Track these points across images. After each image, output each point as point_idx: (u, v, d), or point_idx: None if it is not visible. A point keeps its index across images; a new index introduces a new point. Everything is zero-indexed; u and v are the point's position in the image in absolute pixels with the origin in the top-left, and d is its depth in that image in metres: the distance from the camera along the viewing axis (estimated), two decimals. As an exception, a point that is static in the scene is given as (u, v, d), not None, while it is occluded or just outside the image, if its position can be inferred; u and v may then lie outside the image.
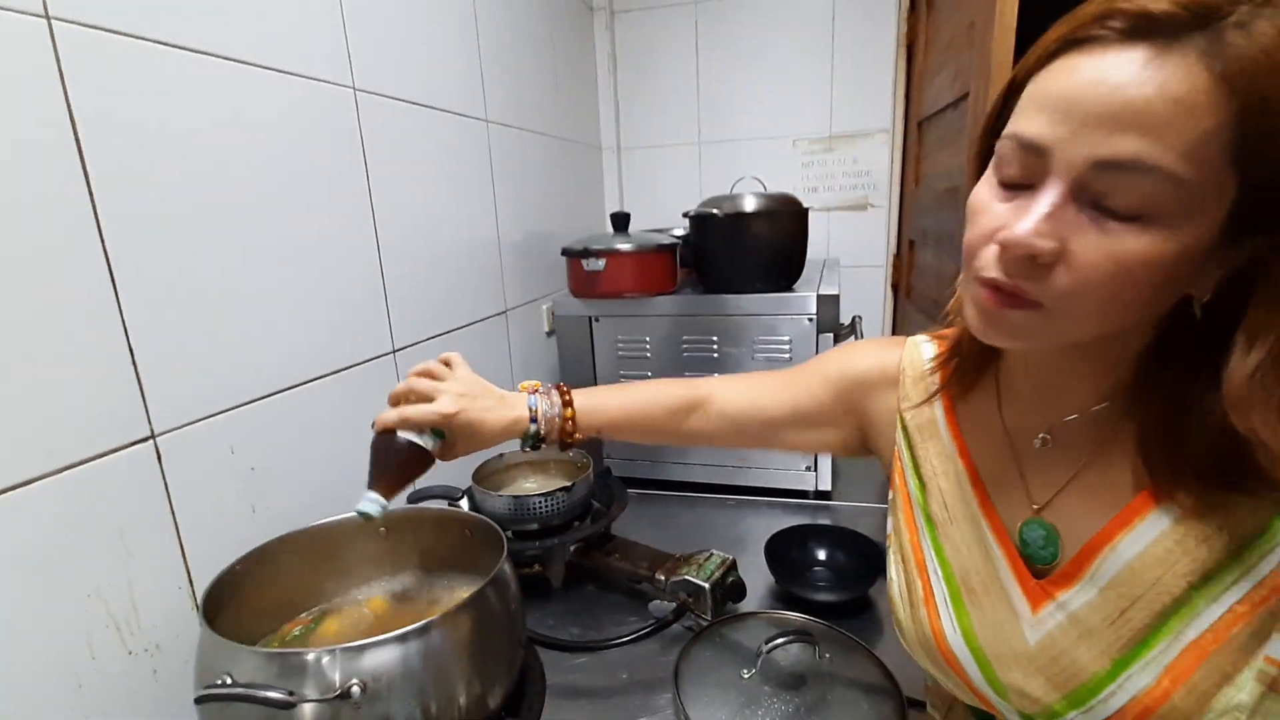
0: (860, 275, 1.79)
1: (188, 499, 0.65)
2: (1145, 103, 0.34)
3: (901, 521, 0.59)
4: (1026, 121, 0.39)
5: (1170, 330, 0.43)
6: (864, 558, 0.99)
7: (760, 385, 0.70)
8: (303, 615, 0.71)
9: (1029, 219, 0.38)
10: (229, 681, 0.51)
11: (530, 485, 1.11)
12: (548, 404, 0.66)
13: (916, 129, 1.62)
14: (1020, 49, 1.02)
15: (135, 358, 0.60)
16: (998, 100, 0.44)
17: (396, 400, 0.64)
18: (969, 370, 0.55)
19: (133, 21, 0.59)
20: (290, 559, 0.71)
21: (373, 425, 0.62)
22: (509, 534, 1.00)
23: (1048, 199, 0.38)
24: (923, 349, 0.61)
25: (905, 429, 0.60)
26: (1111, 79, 0.35)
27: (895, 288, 1.80)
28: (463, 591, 0.70)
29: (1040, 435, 0.50)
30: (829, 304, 1.16)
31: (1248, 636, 0.41)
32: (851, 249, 1.78)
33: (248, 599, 0.65)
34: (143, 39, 0.60)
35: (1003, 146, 0.41)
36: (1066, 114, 0.37)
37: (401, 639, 0.54)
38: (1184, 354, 0.41)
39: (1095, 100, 0.36)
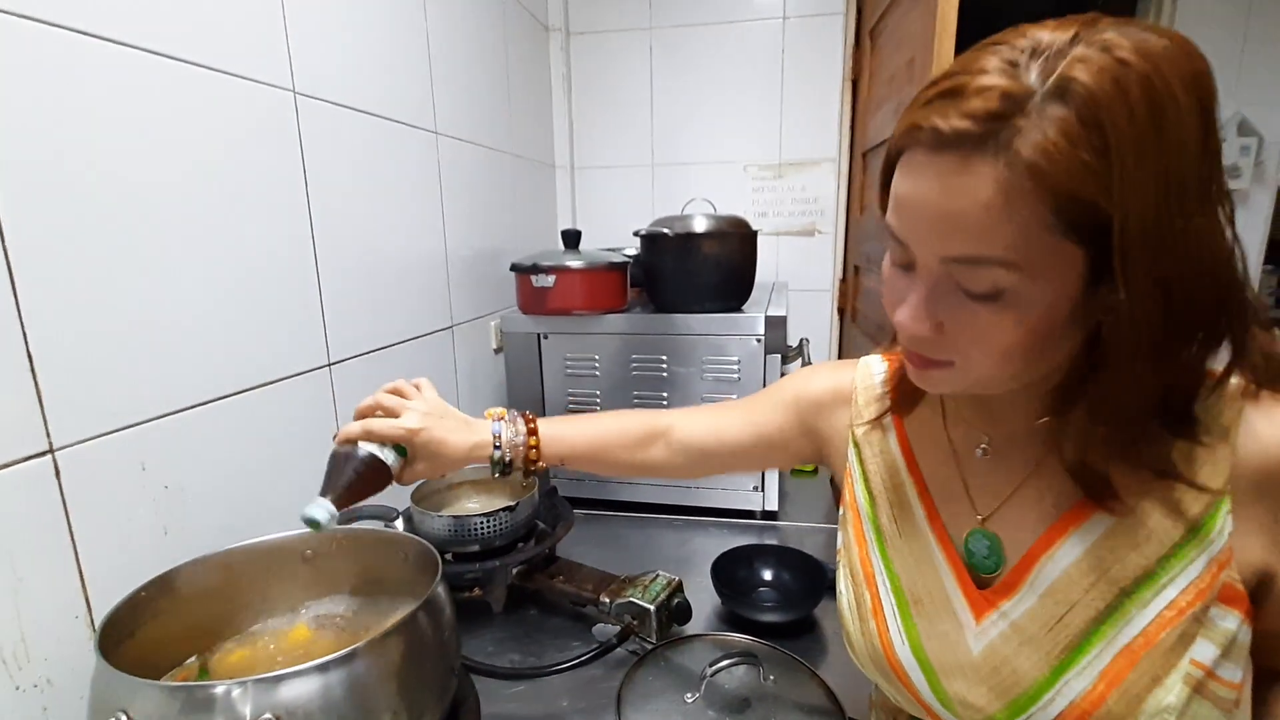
0: (808, 299, 1.83)
1: (90, 520, 0.60)
2: (962, 212, 0.38)
3: (851, 536, 0.60)
4: (892, 214, 0.44)
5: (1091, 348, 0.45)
6: (809, 577, 0.99)
7: (721, 415, 0.71)
8: (218, 646, 0.66)
9: (906, 308, 0.44)
10: (123, 719, 0.46)
11: (473, 505, 1.08)
12: (512, 431, 0.68)
13: (861, 159, 1.67)
14: (956, 85, 1.06)
15: (34, 365, 0.55)
16: (885, 164, 0.47)
17: (362, 414, 0.65)
18: (915, 388, 0.56)
19: (35, 4, 0.55)
20: (205, 585, 0.66)
21: (334, 436, 0.62)
22: (448, 556, 0.96)
23: (919, 290, 0.43)
24: (874, 367, 0.64)
25: (856, 444, 0.61)
26: (932, 192, 0.40)
27: (841, 312, 1.84)
28: (396, 617, 0.66)
29: (982, 446, 0.52)
30: (777, 325, 1.17)
31: (1175, 640, 0.43)
32: (800, 273, 1.82)
33: (154, 629, 0.60)
34: (49, 24, 0.56)
35: (889, 229, 0.45)
36: (912, 216, 0.42)
37: (322, 669, 0.50)
38: (1105, 366, 0.43)
39: (925, 208, 0.41)
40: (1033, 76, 0.36)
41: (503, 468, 0.67)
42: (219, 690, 0.48)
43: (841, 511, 0.63)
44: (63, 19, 0.57)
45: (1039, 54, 0.37)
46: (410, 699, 0.55)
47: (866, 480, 0.59)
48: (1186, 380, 0.43)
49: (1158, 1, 1.72)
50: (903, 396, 0.58)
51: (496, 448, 0.66)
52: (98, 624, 0.58)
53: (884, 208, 0.46)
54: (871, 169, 1.58)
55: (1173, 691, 0.42)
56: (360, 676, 0.52)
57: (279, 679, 0.49)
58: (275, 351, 0.81)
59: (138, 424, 0.65)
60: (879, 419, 0.60)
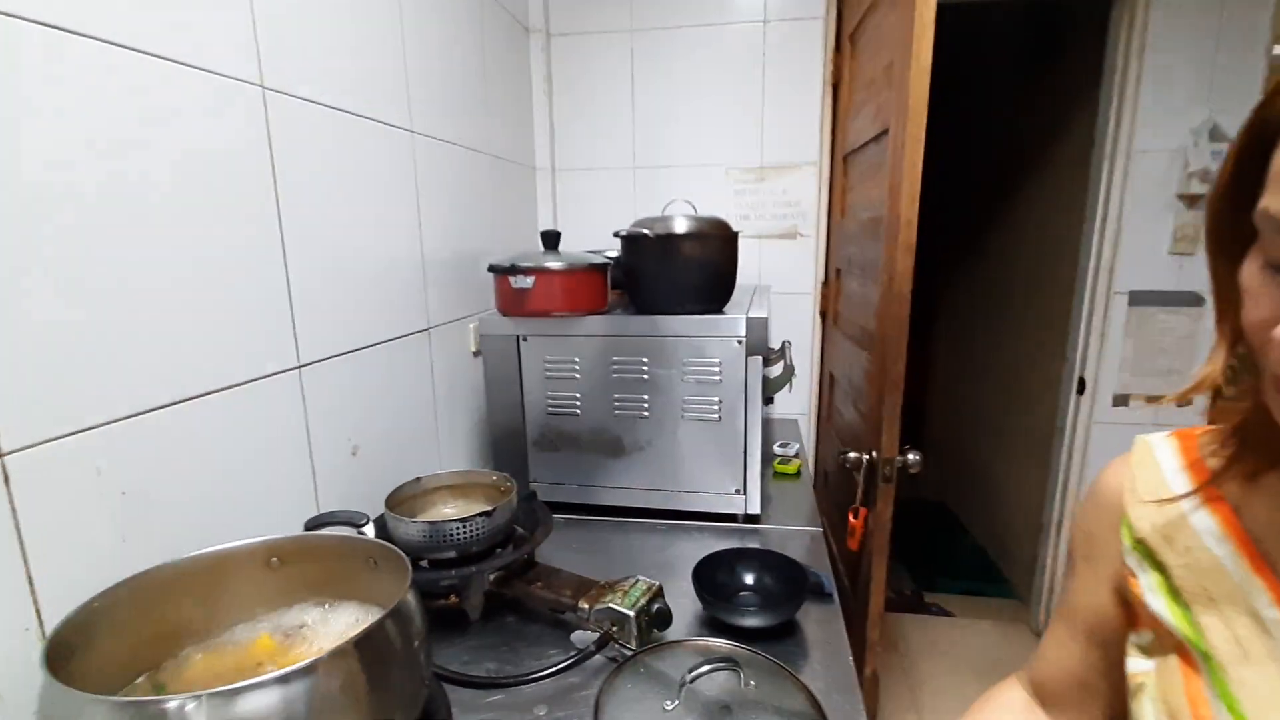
0: (790, 302, 1.83)
1: (41, 527, 0.58)
2: None
3: (1166, 664, 0.45)
4: (1277, 193, 0.34)
5: None
6: (791, 581, 0.98)
7: (1053, 661, 0.59)
8: (177, 658, 0.64)
9: None
10: (70, 737, 0.44)
11: (450, 511, 1.06)
12: None
13: (842, 162, 1.68)
14: (935, 88, 1.07)
15: (-20, 365, 0.53)
16: (1234, 156, 0.38)
17: None
18: (1259, 458, 0.44)
19: (-4, -8, 0.53)
20: (164, 594, 0.63)
21: None
22: (424, 563, 0.94)
23: None
24: (1156, 449, 0.51)
25: (1141, 541, 0.48)
26: None
27: (823, 314, 1.84)
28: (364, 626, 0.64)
29: None
30: (758, 326, 1.16)
31: None
32: (782, 276, 1.82)
33: (108, 641, 0.58)
34: (4, 14, 0.54)
35: (1261, 224, 0.36)
36: None
37: (283, 680, 0.48)
38: None
39: None
40: None
41: None
42: (171, 705, 0.46)
43: (1136, 637, 0.49)
44: (13, 8, 0.55)
45: None
46: (379, 711, 0.53)
47: (1172, 588, 0.45)
48: None
49: (1130, 9, 1.75)
50: (1241, 466, 0.44)
51: None
52: (48, 636, 0.55)
53: (1223, 207, 0.38)
54: (852, 173, 1.59)
55: None
56: (323, 688, 0.50)
57: (236, 692, 0.47)
58: (241, 353, 0.79)
59: (93, 427, 0.62)
60: (1176, 500, 0.47)
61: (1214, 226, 0.40)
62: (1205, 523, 0.45)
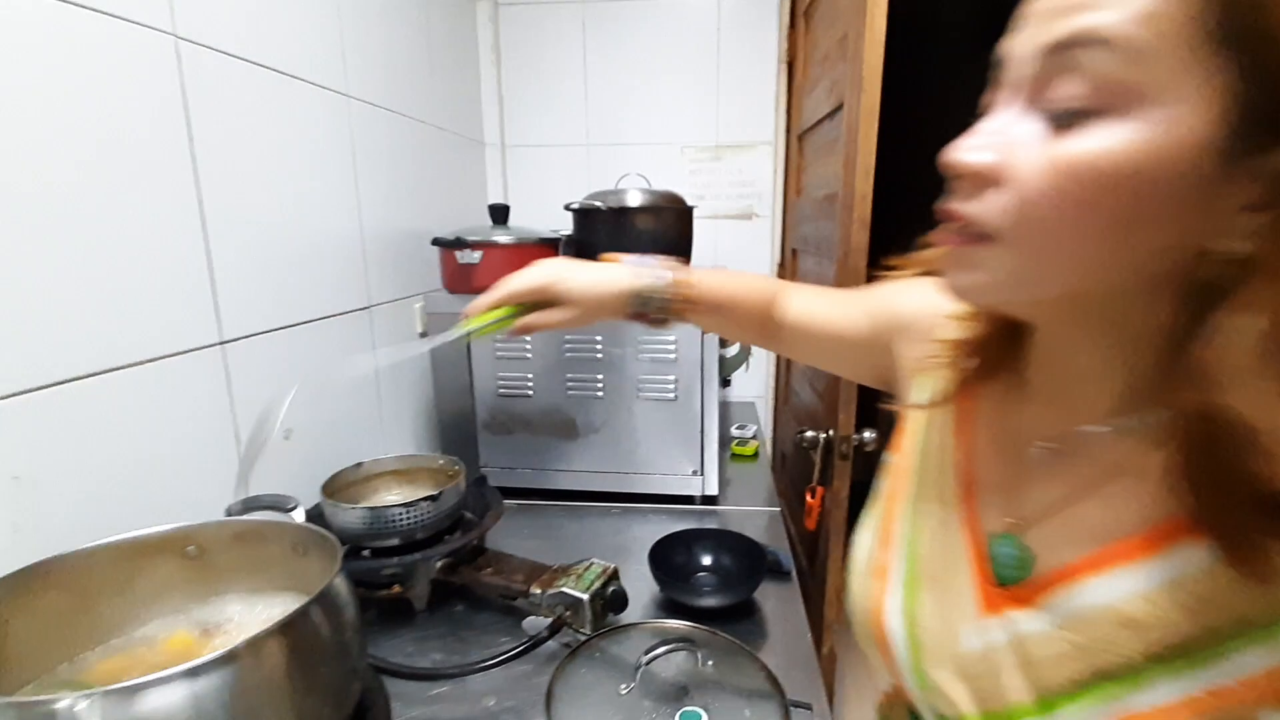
0: (746, 284, 1.82)
1: (-91, 516, 0.51)
2: None
3: (893, 486, 0.53)
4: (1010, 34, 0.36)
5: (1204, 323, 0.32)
6: (749, 560, 0.96)
7: (819, 303, 0.67)
8: (82, 658, 0.57)
9: (970, 135, 0.35)
10: (-66, 750, 0.38)
11: (393, 497, 1.00)
12: (651, 272, 0.62)
13: (798, 141, 1.67)
14: (889, 59, 1.06)
15: None
16: None
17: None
18: (993, 350, 0.47)
19: None
20: (64, 588, 0.57)
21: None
22: (365, 552, 0.89)
23: (997, 110, 0.35)
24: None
25: (922, 389, 0.53)
26: None
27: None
28: (292, 617, 0.59)
29: (1045, 445, 0.42)
30: (714, 303, 1.14)
31: None
32: (738, 257, 1.80)
33: (2, 640, 0.51)
34: None
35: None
36: (1025, 15, 0.34)
37: (190, 674, 0.43)
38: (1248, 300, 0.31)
39: None
40: None
41: (648, 303, 0.61)
42: (61, 705, 0.40)
43: (889, 456, 0.55)
44: None
45: None
46: (301, 707, 0.49)
47: (926, 431, 0.51)
48: None
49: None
50: (978, 358, 0.48)
51: (647, 280, 0.61)
52: (-84, 639, 0.48)
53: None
54: (808, 152, 1.58)
55: None
56: (239, 683, 0.45)
57: (135, 689, 0.42)
58: (151, 327, 0.72)
59: (-28, 404, 0.55)
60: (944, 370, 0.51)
61: None
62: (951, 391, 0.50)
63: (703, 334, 1.15)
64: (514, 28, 1.71)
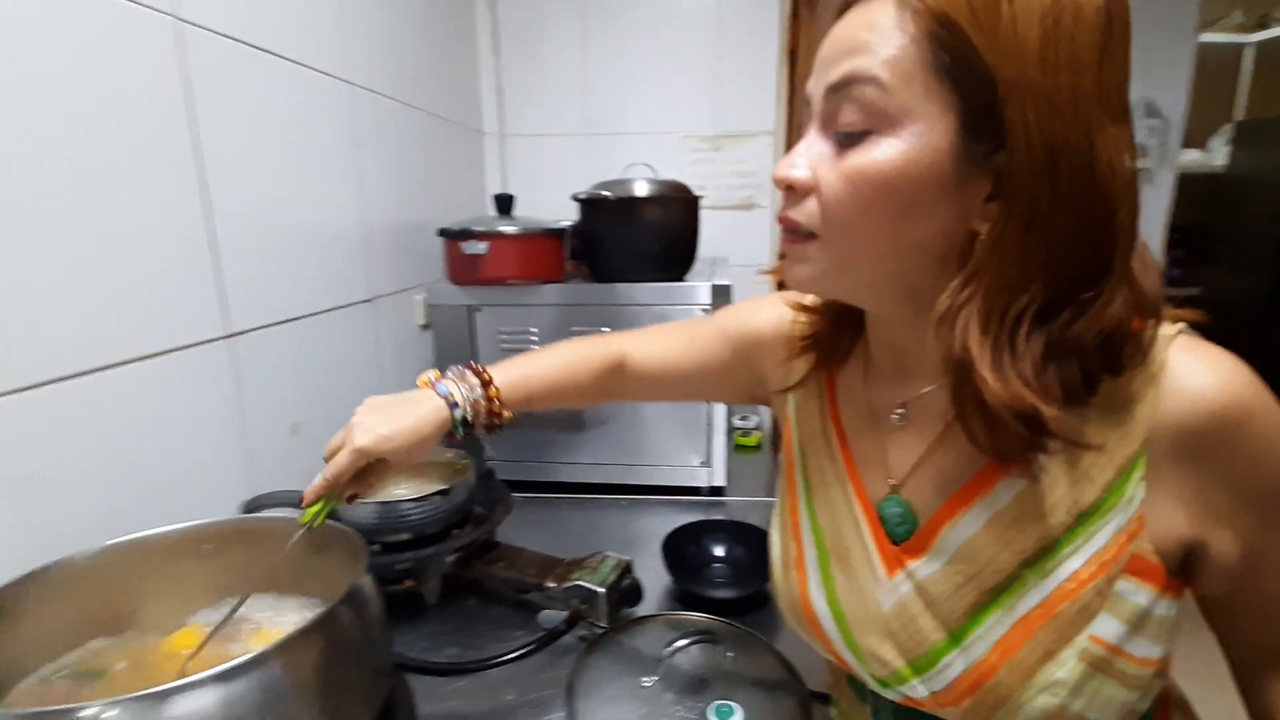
0: (745, 275, 1.79)
1: (-83, 517, 0.49)
2: (852, 35, 0.41)
3: (784, 484, 0.59)
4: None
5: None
6: (762, 551, 0.95)
7: (667, 345, 0.69)
8: (93, 663, 0.56)
9: (787, 155, 0.44)
10: (-42, 759, 0.37)
11: (402, 491, 0.99)
12: (465, 387, 0.60)
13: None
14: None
15: None
16: None
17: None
18: (839, 340, 0.55)
19: None
20: (74, 590, 0.55)
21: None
22: (376, 547, 0.88)
23: (807, 136, 0.44)
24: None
25: (793, 389, 0.59)
26: (838, 28, 0.43)
27: (780, 286, 1.83)
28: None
29: (898, 411, 0.50)
30: (723, 295, 1.13)
31: (1075, 613, 0.41)
32: (737, 249, 1.79)
33: (14, 643, 0.50)
34: None
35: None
36: (818, 62, 0.44)
37: (223, 679, 0.42)
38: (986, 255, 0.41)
39: (828, 44, 0.43)
40: None
41: (465, 427, 0.60)
42: (86, 714, 0.39)
43: (779, 458, 0.61)
44: None
45: None
46: (334, 707, 0.48)
47: (799, 427, 0.58)
48: (1073, 294, 0.39)
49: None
50: (830, 346, 0.55)
51: (454, 406, 0.59)
52: (-71, 644, 0.47)
53: None
54: (809, 141, 1.57)
55: (1064, 666, 0.41)
56: (271, 685, 0.44)
57: (165, 695, 0.41)
58: (158, 321, 0.70)
59: (-21, 401, 0.53)
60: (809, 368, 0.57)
61: None
62: (820, 383, 0.57)
63: (710, 325, 1.14)
64: (513, 14, 1.68)
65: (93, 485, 0.63)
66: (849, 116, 0.40)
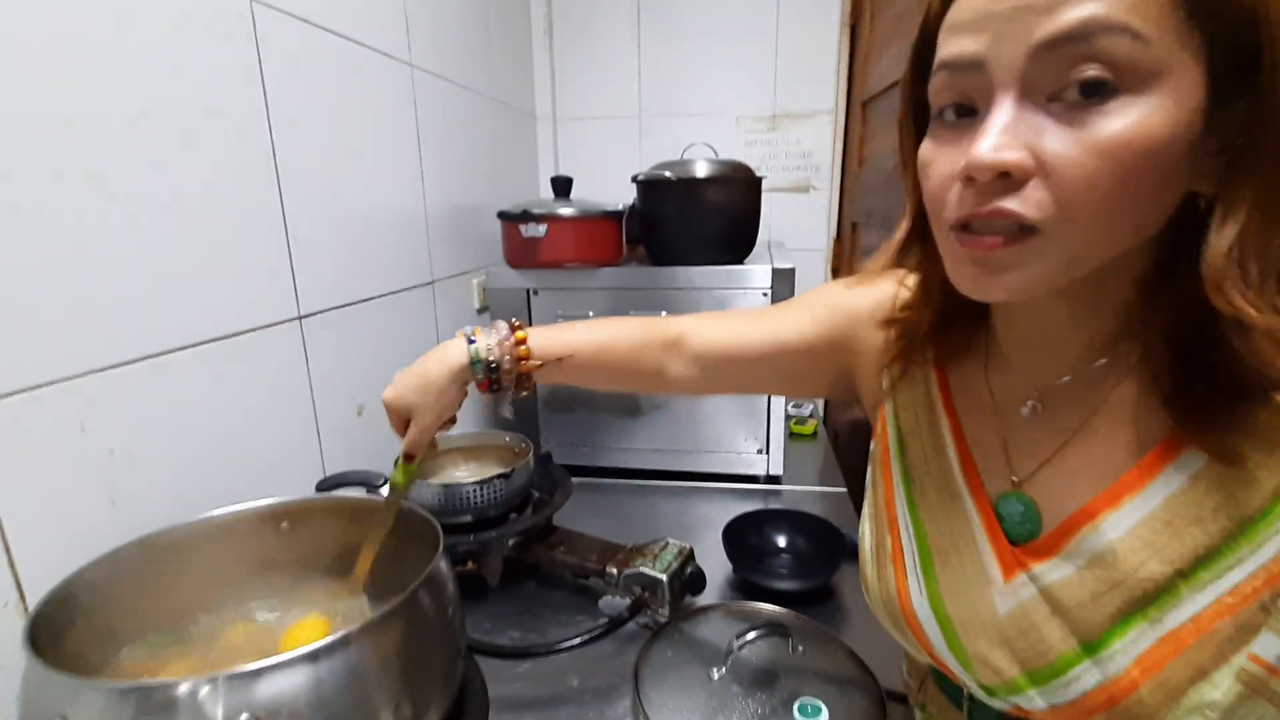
0: (801, 259, 1.75)
1: (18, 489, 0.51)
2: None
3: (879, 475, 0.55)
4: (950, 47, 0.37)
5: (1164, 255, 0.38)
6: (825, 543, 0.93)
7: (734, 323, 0.64)
8: (178, 637, 0.57)
9: (987, 136, 0.35)
10: (64, 727, 0.38)
11: (461, 474, 0.99)
12: (491, 331, 0.60)
13: (860, 110, 1.60)
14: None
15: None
16: (912, 56, 0.41)
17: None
18: (955, 330, 0.50)
19: None
20: (160, 566, 0.56)
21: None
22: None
23: (1001, 110, 0.35)
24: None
25: (892, 374, 0.55)
26: None
27: (836, 271, 1.78)
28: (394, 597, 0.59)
29: (1029, 403, 0.46)
30: (784, 279, 1.10)
31: (1233, 630, 0.37)
32: (793, 232, 1.74)
33: (99, 618, 0.51)
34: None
35: (935, 86, 0.38)
36: (990, 15, 0.35)
37: (311, 658, 0.42)
38: (1184, 277, 0.36)
39: None
40: None
41: (488, 372, 0.59)
42: (183, 690, 0.40)
43: (872, 446, 0.56)
44: None
45: None
46: (414, 687, 0.48)
47: (897, 416, 0.53)
48: None
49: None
50: (944, 337, 0.50)
51: (472, 342, 0.59)
52: (30, 612, 0.48)
53: (912, 106, 0.42)
54: (872, 120, 1.51)
55: (1220, 687, 0.37)
56: (356, 666, 0.44)
57: (257, 673, 0.41)
58: (238, 301, 0.71)
59: (72, 377, 0.54)
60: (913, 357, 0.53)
61: (904, 112, 0.44)
62: (930, 367, 0.52)
63: (771, 310, 1.11)
64: (567, -4, 1.65)
65: (176, 460, 0.64)
66: (1081, 75, 0.33)
